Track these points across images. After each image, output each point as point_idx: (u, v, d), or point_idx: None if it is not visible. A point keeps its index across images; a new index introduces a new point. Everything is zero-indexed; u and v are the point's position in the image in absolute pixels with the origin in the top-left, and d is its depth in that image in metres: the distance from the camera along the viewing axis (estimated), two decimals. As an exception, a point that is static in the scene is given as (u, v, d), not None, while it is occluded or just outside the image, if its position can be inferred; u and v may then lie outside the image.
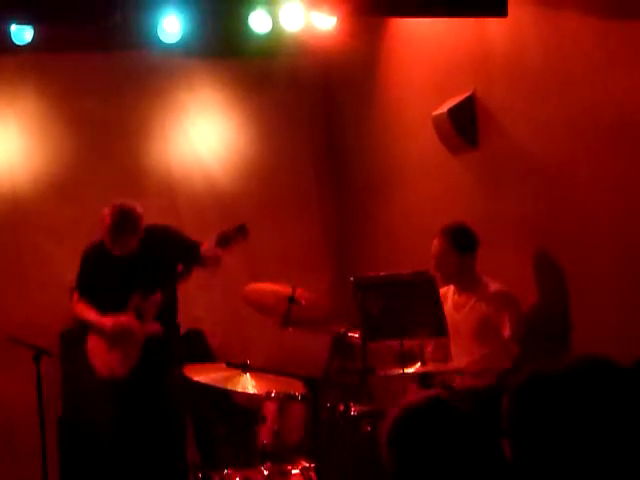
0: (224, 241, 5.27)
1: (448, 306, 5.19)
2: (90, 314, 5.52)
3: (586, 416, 1.67)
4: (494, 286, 5.16)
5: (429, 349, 5.21)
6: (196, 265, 5.53)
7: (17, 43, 6.08)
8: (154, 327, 5.38)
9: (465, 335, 5.16)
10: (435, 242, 5.22)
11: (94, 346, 5.54)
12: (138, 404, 5.42)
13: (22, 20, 5.61)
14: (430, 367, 4.95)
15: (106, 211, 5.34)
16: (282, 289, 5.29)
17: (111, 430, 5.48)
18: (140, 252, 5.43)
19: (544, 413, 1.69)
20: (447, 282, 5.21)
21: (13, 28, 6.01)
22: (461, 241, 5.18)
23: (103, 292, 5.51)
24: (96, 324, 5.49)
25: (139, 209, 5.36)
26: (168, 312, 5.50)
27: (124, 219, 5.28)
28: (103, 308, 5.48)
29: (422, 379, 4.92)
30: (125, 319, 5.39)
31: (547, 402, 1.69)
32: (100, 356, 5.51)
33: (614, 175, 4.74)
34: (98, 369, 5.50)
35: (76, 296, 5.61)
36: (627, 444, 1.67)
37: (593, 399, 1.68)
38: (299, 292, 5.25)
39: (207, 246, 5.36)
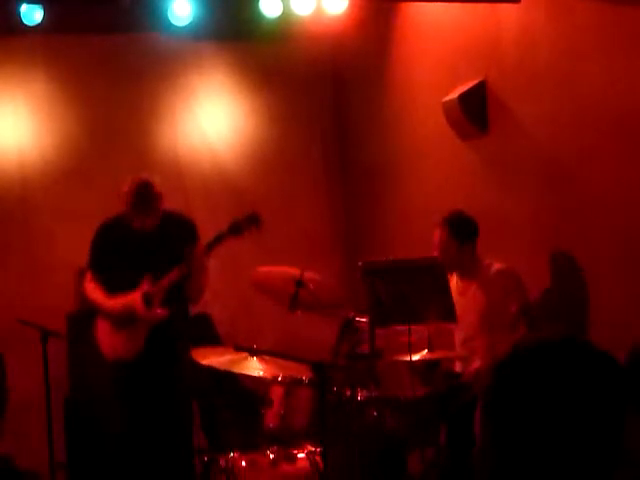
0: (236, 229, 5.23)
1: (453, 292, 5.19)
2: (97, 295, 5.47)
3: (558, 393, 1.66)
4: (495, 266, 5.18)
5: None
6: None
7: (27, 24, 6.09)
8: (161, 313, 5.30)
9: (470, 321, 5.16)
10: (436, 233, 5.24)
11: (101, 329, 5.51)
12: (146, 388, 5.40)
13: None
14: (437, 354, 4.95)
15: (128, 181, 5.27)
16: (290, 272, 5.27)
17: (117, 412, 5.47)
18: (157, 232, 5.38)
19: (521, 388, 1.67)
20: (449, 270, 5.22)
21: (23, 8, 6.01)
22: (461, 231, 5.21)
23: (116, 269, 5.44)
24: (102, 306, 5.48)
25: (158, 185, 5.35)
26: (178, 295, 5.44)
27: (147, 189, 5.24)
28: (115, 286, 5.45)
29: (426, 366, 4.92)
30: (131, 301, 5.35)
31: (524, 377, 1.68)
32: (107, 339, 5.48)
33: (624, 161, 4.73)
34: (105, 352, 5.48)
35: (89, 275, 5.54)
36: (603, 424, 1.66)
37: (566, 375, 1.67)
38: (307, 275, 5.23)
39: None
